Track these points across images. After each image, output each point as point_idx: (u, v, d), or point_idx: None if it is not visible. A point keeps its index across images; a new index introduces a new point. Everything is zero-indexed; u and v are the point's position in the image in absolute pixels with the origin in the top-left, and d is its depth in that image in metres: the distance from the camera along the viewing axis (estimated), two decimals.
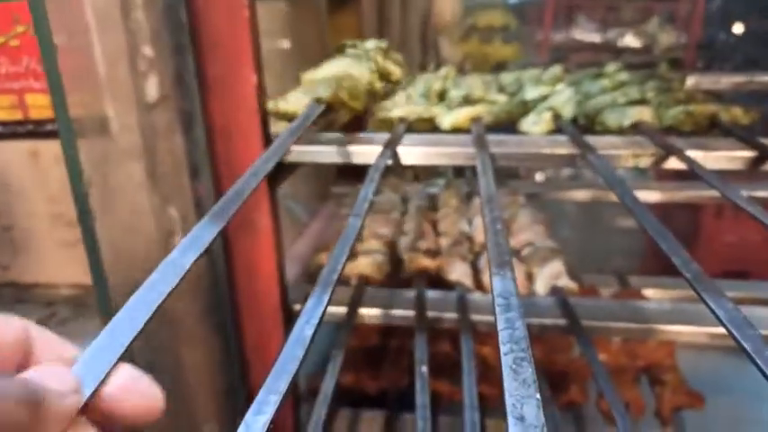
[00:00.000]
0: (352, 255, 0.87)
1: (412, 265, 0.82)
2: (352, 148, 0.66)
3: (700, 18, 3.08)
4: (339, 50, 0.85)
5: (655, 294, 1.10)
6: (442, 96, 0.87)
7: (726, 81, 1.00)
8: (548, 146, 0.64)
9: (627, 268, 1.11)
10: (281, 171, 0.70)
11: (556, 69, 0.93)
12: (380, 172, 0.55)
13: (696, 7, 3.04)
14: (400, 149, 0.65)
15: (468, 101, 0.81)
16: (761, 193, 0.99)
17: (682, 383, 0.89)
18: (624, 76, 0.88)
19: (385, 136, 0.67)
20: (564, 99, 0.76)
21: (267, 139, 0.64)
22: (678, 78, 0.88)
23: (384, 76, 0.81)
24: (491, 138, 0.66)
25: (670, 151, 0.59)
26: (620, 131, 0.70)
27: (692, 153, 0.59)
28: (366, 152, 0.66)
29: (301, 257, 0.91)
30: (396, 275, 0.84)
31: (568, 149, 0.63)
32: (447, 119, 0.73)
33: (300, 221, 1.07)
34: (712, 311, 0.32)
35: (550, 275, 0.77)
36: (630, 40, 3.21)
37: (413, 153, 0.65)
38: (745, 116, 0.70)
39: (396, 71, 0.86)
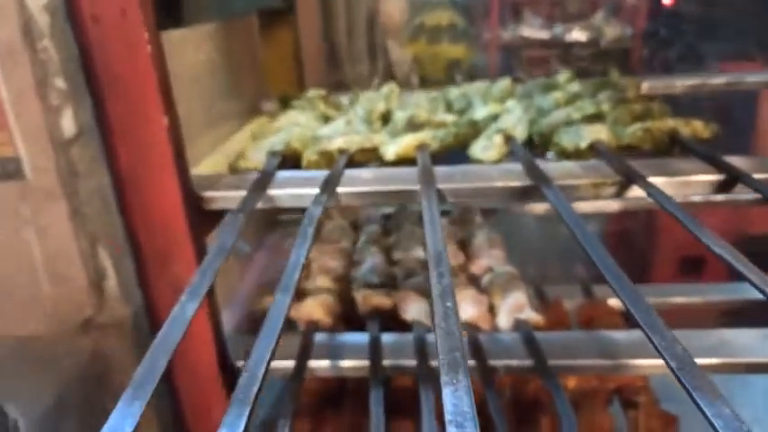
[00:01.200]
0: (300, 294, 0.80)
1: (365, 305, 0.75)
2: (284, 192, 0.59)
3: (644, 9, 3.11)
4: (283, 102, 0.89)
5: (618, 303, 1.07)
6: (385, 118, 0.81)
7: (680, 84, 0.97)
8: (500, 177, 0.58)
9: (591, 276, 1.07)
10: (205, 219, 0.62)
11: (505, 82, 0.88)
12: (315, 224, 0.48)
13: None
14: (340, 189, 0.58)
15: (412, 124, 0.75)
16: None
17: (655, 405, 0.85)
18: (576, 87, 0.84)
19: (322, 175, 0.60)
20: (515, 119, 0.71)
21: (185, 187, 0.57)
22: (632, 85, 0.85)
23: (327, 120, 0.81)
24: (438, 170, 0.60)
25: (631, 179, 0.54)
26: (577, 153, 0.66)
27: (655, 179, 0.54)
28: (302, 195, 0.59)
29: (244, 300, 0.84)
30: (349, 316, 0.77)
31: (523, 181, 0.57)
32: (391, 149, 0.67)
33: (243, 254, 0.99)
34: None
35: (513, 308, 0.72)
36: (578, 35, 3.22)
37: (353, 194, 0.59)
38: (705, 130, 0.66)
39: (335, 115, 0.85)
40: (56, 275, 0.61)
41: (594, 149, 0.65)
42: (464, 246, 0.93)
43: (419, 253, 0.89)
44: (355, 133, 0.73)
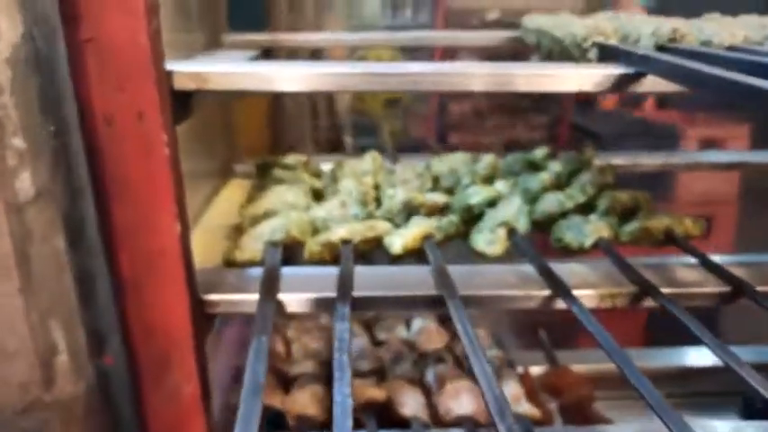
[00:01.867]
0: (284, 383, 0.76)
1: (358, 397, 0.72)
2: (297, 297, 0.56)
3: None
4: (261, 169, 0.86)
5: (581, 369, 1.09)
6: (377, 199, 0.80)
7: (646, 162, 1.02)
8: (519, 283, 0.58)
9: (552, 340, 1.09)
10: (206, 322, 0.58)
11: (489, 158, 0.89)
12: (347, 349, 0.46)
13: None
14: (355, 294, 0.56)
15: (409, 208, 0.74)
16: None
17: None
18: (557, 166, 0.87)
19: (331, 273, 0.58)
20: (515, 210, 0.71)
21: (192, 294, 0.53)
22: (609, 169, 0.88)
23: (316, 194, 0.79)
24: (452, 271, 0.59)
25: (646, 291, 0.56)
26: (580, 250, 0.67)
27: (666, 290, 0.56)
28: (316, 299, 0.56)
29: (221, 388, 0.79)
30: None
31: (541, 289, 0.57)
32: (397, 241, 0.65)
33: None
34: None
35: (512, 399, 0.71)
36: None
37: (369, 299, 0.57)
38: (695, 227, 0.69)
39: (319, 184, 0.84)
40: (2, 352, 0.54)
41: (597, 246, 0.67)
42: (444, 320, 0.92)
43: (402, 332, 0.87)
44: (354, 219, 0.71)
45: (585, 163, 0.92)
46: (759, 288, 0.56)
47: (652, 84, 0.51)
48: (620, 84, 0.51)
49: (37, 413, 0.60)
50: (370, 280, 0.59)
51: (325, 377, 0.77)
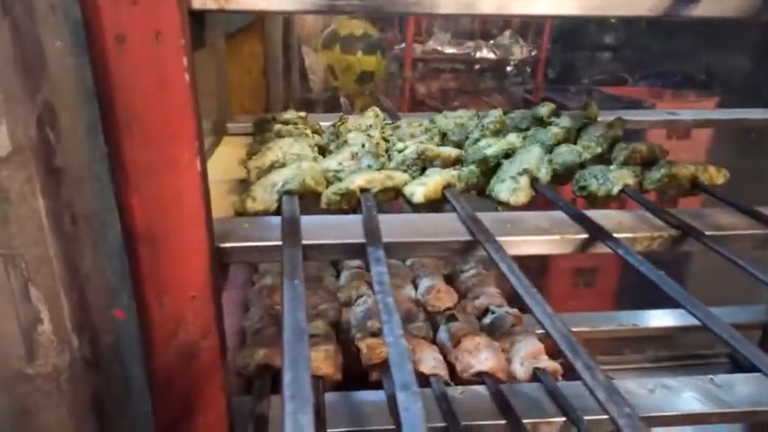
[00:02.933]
0: None
1: (371, 356, 0.69)
2: (323, 242, 0.52)
3: (547, 36, 3.29)
4: (259, 127, 0.84)
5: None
6: (386, 152, 0.76)
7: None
8: (556, 228, 0.55)
9: None
10: (221, 273, 0.53)
11: (496, 113, 0.85)
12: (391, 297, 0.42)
13: (544, 26, 3.24)
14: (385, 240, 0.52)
15: (424, 160, 0.71)
16: None
17: None
18: (566, 121, 0.84)
19: (353, 221, 0.54)
20: (536, 159, 0.68)
21: (212, 243, 0.48)
22: (619, 123, 0.86)
23: (319, 149, 0.76)
24: (483, 217, 0.56)
25: (687, 233, 0.54)
26: (606, 197, 0.64)
27: (708, 233, 0.54)
28: (344, 245, 0.52)
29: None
30: (350, 367, 0.70)
31: (578, 233, 0.54)
32: (419, 190, 0.61)
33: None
34: None
35: (529, 356, 0.69)
36: (486, 53, 3.32)
37: (400, 245, 0.53)
38: (719, 175, 0.67)
39: (319, 139, 0.82)
40: None
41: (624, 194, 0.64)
42: (450, 280, 0.90)
43: (411, 291, 0.84)
44: (368, 169, 0.67)
45: (591, 118, 0.89)
46: None
47: None
48: None
49: (19, 386, 0.55)
50: (397, 227, 0.55)
51: (336, 337, 0.73)
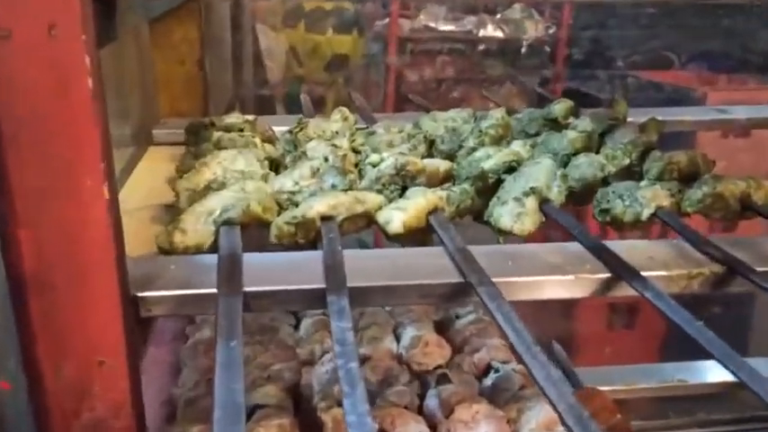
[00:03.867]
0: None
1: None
2: (268, 290, 0.52)
3: (569, 8, 3.34)
4: (194, 134, 0.84)
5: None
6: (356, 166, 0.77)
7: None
8: (565, 264, 0.56)
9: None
10: (140, 329, 0.53)
11: (498, 114, 0.87)
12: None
13: None
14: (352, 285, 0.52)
15: (404, 176, 0.72)
16: None
17: None
18: (586, 124, 0.86)
19: (311, 259, 0.54)
20: (545, 174, 0.69)
21: (125, 294, 0.48)
22: (653, 126, 0.88)
23: (271, 163, 0.78)
24: (475, 252, 0.57)
25: (734, 267, 0.55)
26: (634, 223, 0.66)
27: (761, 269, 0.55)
28: (297, 293, 0.52)
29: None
30: None
31: (597, 270, 0.55)
32: (396, 217, 0.62)
33: None
34: None
35: (543, 427, 0.69)
36: (493, 30, 3.37)
37: (371, 291, 0.53)
38: None
39: (272, 150, 0.83)
40: None
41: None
42: (441, 329, 0.90)
43: (392, 344, 0.84)
44: (331, 191, 0.68)
45: (619, 119, 0.91)
46: None
47: None
48: None
49: None
50: (367, 267, 0.56)
51: (293, 407, 0.73)
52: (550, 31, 3.43)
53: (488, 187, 0.73)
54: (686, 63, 3.67)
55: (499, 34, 3.38)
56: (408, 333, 0.85)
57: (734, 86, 3.22)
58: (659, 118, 0.92)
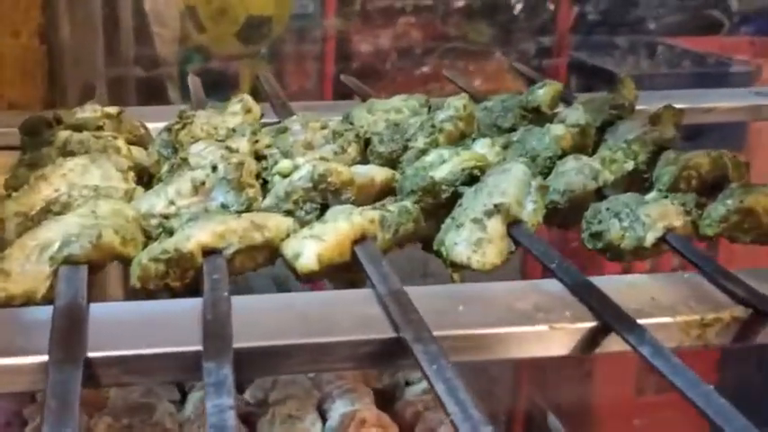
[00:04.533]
0: None
1: None
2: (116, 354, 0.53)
3: None
4: (28, 133, 0.85)
5: None
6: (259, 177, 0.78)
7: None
8: (535, 311, 0.58)
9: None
10: None
11: (459, 103, 0.89)
12: None
13: None
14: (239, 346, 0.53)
15: (324, 190, 0.73)
16: None
17: None
18: (579, 113, 0.88)
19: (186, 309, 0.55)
20: (516, 186, 0.71)
21: None
22: (669, 115, 0.90)
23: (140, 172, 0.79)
24: (413, 294, 0.58)
25: (760, 309, 0.57)
26: (637, 250, 0.68)
27: None
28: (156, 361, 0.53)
29: None
30: None
31: (580, 318, 0.57)
32: (309, 249, 0.63)
33: None
34: None
35: None
36: None
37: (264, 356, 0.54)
38: None
39: (142, 156, 0.84)
40: None
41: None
42: (385, 401, 0.91)
43: (314, 426, 0.85)
44: (221, 213, 0.69)
45: (624, 107, 0.94)
46: None
47: None
48: None
49: None
50: (262, 319, 0.57)
51: None
52: None
53: (442, 204, 0.74)
54: (740, 25, 3.74)
55: None
56: (338, 409, 0.86)
57: None
58: (678, 106, 0.96)
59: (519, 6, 3.67)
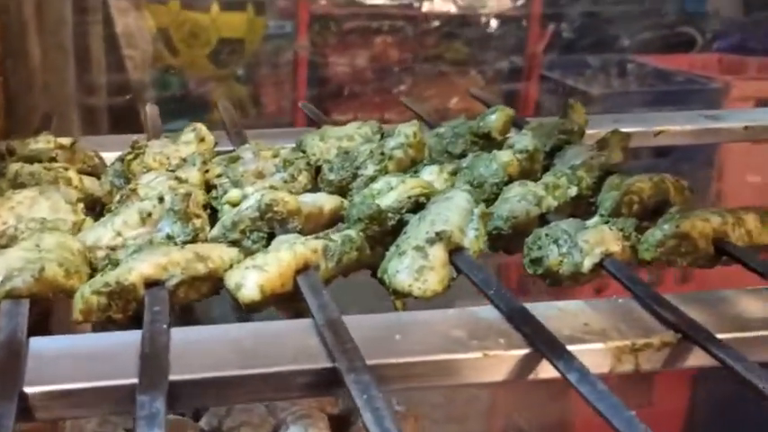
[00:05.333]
0: None
1: None
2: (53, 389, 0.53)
3: None
4: None
5: None
6: (208, 207, 0.79)
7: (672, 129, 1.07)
8: (473, 339, 0.59)
9: None
10: None
11: (409, 130, 0.90)
12: None
13: None
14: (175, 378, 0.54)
15: (271, 220, 0.74)
16: None
17: None
18: (528, 140, 0.89)
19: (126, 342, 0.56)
20: (459, 213, 0.72)
21: None
22: (616, 140, 0.92)
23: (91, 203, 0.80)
24: (350, 323, 0.59)
25: (692, 338, 0.58)
26: (575, 275, 0.69)
27: (724, 336, 0.59)
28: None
29: None
30: None
31: (513, 345, 0.58)
32: (251, 279, 0.64)
33: None
34: None
35: None
36: (440, 3, 3.43)
37: (200, 388, 0.55)
38: (764, 230, 0.73)
39: (95, 186, 0.84)
40: None
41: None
42: (341, 427, 0.92)
43: None
44: (166, 244, 0.69)
45: (574, 132, 0.95)
46: None
47: None
48: None
49: None
50: (200, 350, 0.57)
51: None
52: (518, 2, 3.50)
53: (388, 232, 0.75)
54: (712, 42, 3.76)
55: (451, 8, 3.44)
56: None
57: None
58: (629, 129, 0.97)
59: (494, 25, 3.68)
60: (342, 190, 0.84)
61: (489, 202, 0.80)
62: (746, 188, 3.09)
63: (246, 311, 0.65)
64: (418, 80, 3.69)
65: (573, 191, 0.80)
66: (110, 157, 0.94)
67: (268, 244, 0.72)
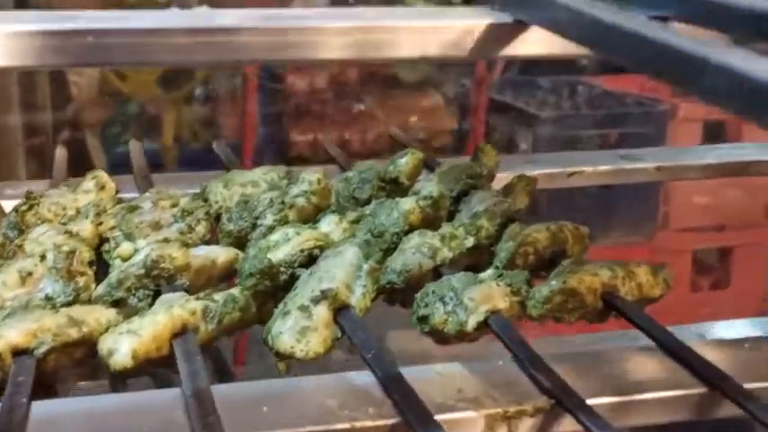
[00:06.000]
0: None
1: None
2: None
3: None
4: None
5: None
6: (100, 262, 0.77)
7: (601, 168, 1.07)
8: (345, 408, 0.58)
9: None
10: None
11: (313, 177, 0.88)
12: None
13: None
14: None
15: (156, 275, 0.72)
16: None
17: None
18: (433, 186, 0.88)
19: None
20: (346, 269, 0.71)
21: None
22: (522, 184, 0.91)
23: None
24: (218, 392, 0.57)
25: (564, 404, 0.57)
26: (460, 334, 0.68)
27: (599, 401, 0.58)
28: None
29: None
30: None
31: (384, 415, 0.57)
32: (124, 346, 0.62)
33: None
34: None
35: None
36: None
37: None
38: (655, 283, 0.72)
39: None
40: None
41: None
42: None
43: None
44: (46, 305, 0.68)
45: (482, 176, 0.94)
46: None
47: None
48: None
49: None
50: (59, 425, 0.56)
51: None
52: None
53: (282, 285, 0.74)
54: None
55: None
56: None
57: None
58: (542, 171, 0.96)
59: None
60: (240, 241, 0.82)
61: (390, 252, 0.79)
62: (694, 210, 3.11)
63: (120, 379, 0.64)
64: (378, 99, 3.68)
65: (470, 241, 0.79)
66: (9, 205, 0.91)
67: (154, 302, 0.71)
